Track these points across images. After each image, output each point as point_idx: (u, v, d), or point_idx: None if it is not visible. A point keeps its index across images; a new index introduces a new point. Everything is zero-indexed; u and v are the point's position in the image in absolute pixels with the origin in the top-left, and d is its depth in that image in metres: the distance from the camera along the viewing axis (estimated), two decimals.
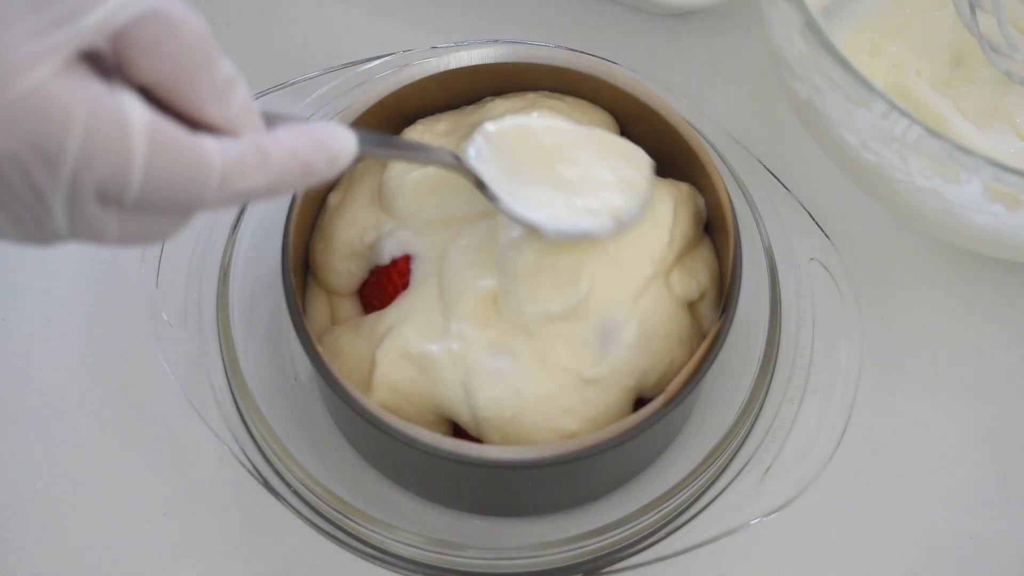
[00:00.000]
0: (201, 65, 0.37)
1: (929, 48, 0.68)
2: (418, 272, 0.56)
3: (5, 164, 0.34)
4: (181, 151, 0.36)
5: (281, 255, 0.55)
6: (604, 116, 0.61)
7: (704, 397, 0.60)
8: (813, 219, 0.63)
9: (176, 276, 0.61)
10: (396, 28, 0.74)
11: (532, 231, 0.53)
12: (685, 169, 0.60)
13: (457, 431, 0.56)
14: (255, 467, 0.57)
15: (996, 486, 0.62)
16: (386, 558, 0.55)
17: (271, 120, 0.40)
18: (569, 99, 0.61)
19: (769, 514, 0.56)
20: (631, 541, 0.56)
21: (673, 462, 0.59)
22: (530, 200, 0.53)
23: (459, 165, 0.52)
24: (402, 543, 0.55)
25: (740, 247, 0.56)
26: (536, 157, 0.54)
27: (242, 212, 0.62)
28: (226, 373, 0.58)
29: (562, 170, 0.54)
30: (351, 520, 0.55)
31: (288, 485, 0.56)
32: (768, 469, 0.57)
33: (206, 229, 0.62)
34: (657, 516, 0.56)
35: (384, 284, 0.57)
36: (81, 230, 0.37)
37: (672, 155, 0.60)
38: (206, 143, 0.37)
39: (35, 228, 0.36)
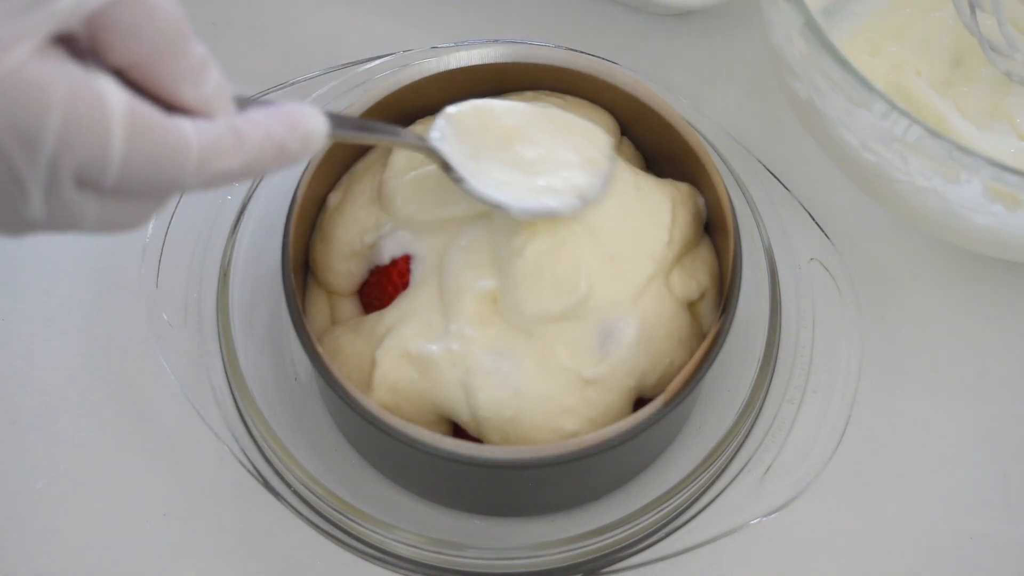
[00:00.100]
0: (175, 47, 0.37)
1: (929, 48, 0.68)
2: (418, 272, 0.56)
3: None
4: (159, 132, 0.36)
5: (281, 255, 0.55)
6: (604, 116, 0.61)
7: (704, 397, 0.60)
8: (813, 219, 0.63)
9: (176, 276, 0.61)
10: (396, 28, 0.74)
11: (528, 231, 0.53)
12: (685, 169, 0.60)
13: (457, 431, 0.56)
14: (255, 467, 0.57)
15: (996, 486, 0.62)
16: (386, 558, 0.55)
17: (242, 103, 0.40)
18: (569, 99, 0.61)
19: (769, 514, 0.56)
20: (631, 541, 0.56)
21: (673, 462, 0.59)
22: (494, 180, 0.53)
23: (425, 147, 0.52)
24: (402, 543, 0.55)
25: (740, 247, 0.56)
26: (497, 138, 0.55)
27: (242, 212, 0.62)
28: (226, 373, 0.58)
29: (523, 150, 0.55)
30: (351, 520, 0.55)
31: (288, 485, 0.56)
32: (768, 469, 0.57)
33: (206, 229, 0.62)
34: (657, 516, 0.56)
35: (384, 284, 0.57)
36: (58, 216, 0.36)
37: (672, 155, 0.60)
38: (183, 124, 0.37)
39: (11, 215, 0.36)
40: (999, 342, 0.66)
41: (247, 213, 0.62)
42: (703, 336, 0.57)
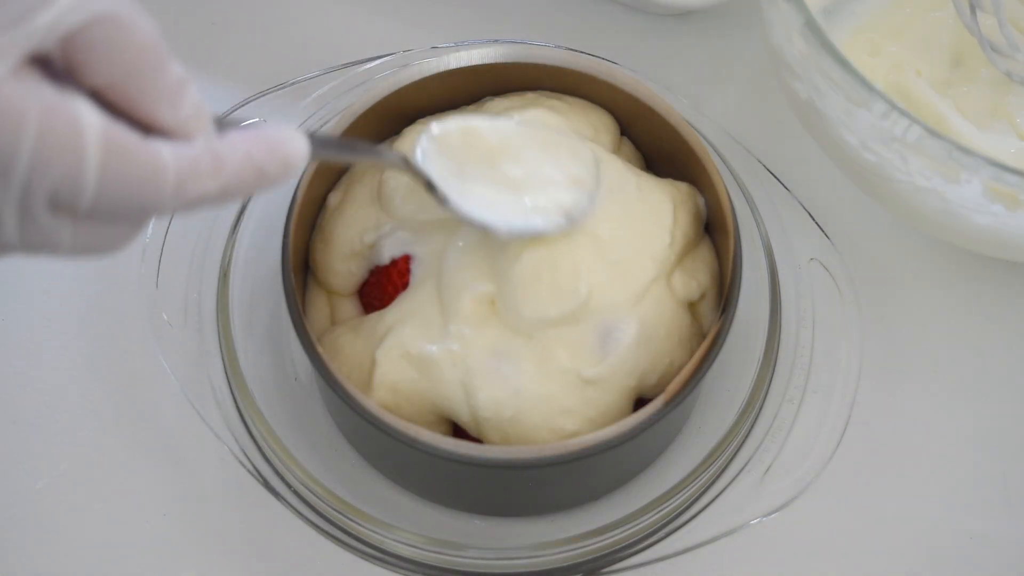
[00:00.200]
0: (152, 68, 0.36)
1: (929, 48, 0.68)
2: (418, 272, 0.56)
3: None
4: (135, 156, 0.35)
5: (281, 255, 0.55)
6: (604, 116, 0.61)
7: (704, 397, 0.60)
8: (813, 219, 0.63)
9: (176, 276, 0.61)
10: (396, 28, 0.74)
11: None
12: (685, 169, 0.60)
13: (457, 431, 0.56)
14: (255, 467, 0.57)
15: (996, 486, 0.62)
16: (386, 558, 0.55)
17: (222, 125, 0.39)
18: (569, 99, 0.61)
19: (769, 514, 0.56)
20: (631, 541, 0.56)
21: (673, 462, 0.59)
22: (479, 200, 0.53)
23: (408, 167, 0.52)
24: (402, 543, 0.55)
25: (740, 247, 0.56)
26: (482, 157, 0.54)
27: (242, 212, 0.62)
28: (226, 373, 0.58)
29: (509, 169, 0.54)
30: (351, 520, 0.55)
31: (288, 485, 0.56)
32: (768, 469, 0.57)
33: (206, 229, 0.62)
34: (657, 516, 0.56)
35: (384, 284, 0.57)
36: (33, 240, 0.36)
37: (672, 155, 0.60)
38: (160, 147, 0.36)
39: None
40: (999, 342, 0.66)
41: (247, 213, 0.62)
42: (703, 336, 0.57)
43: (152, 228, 0.61)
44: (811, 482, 0.57)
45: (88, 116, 0.34)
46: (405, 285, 0.56)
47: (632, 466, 0.59)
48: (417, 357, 0.54)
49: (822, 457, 0.57)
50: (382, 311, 0.56)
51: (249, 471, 0.57)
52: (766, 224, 0.62)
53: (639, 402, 0.55)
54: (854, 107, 0.58)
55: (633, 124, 0.61)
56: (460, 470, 0.53)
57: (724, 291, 0.56)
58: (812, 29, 0.58)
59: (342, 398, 0.52)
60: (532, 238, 0.53)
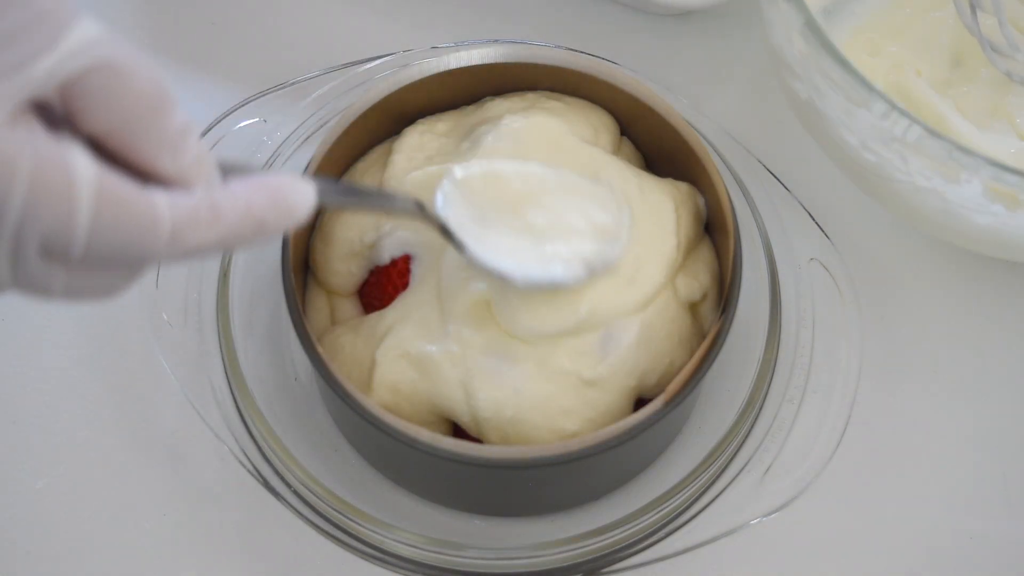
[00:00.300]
0: (153, 116, 0.36)
1: (929, 48, 0.68)
2: (417, 272, 0.56)
3: None
4: (129, 206, 0.35)
5: (281, 255, 0.55)
6: (604, 116, 0.61)
7: (704, 397, 0.60)
8: (813, 219, 0.63)
9: (176, 276, 0.61)
10: (396, 28, 0.74)
11: None
12: (685, 169, 0.60)
13: (457, 431, 0.56)
14: (255, 467, 0.57)
15: (996, 486, 0.62)
16: (386, 558, 0.55)
17: (228, 169, 0.39)
18: (569, 99, 0.61)
19: (769, 514, 0.56)
20: (631, 541, 0.56)
21: (673, 462, 0.59)
22: (499, 247, 0.52)
23: (422, 214, 0.51)
24: (402, 543, 0.55)
25: (740, 247, 0.56)
26: (505, 202, 0.53)
27: None
28: (226, 373, 0.58)
29: (532, 216, 0.53)
30: (351, 520, 0.55)
31: (288, 485, 0.56)
32: (768, 469, 0.57)
33: None
34: (657, 516, 0.56)
35: (384, 284, 0.57)
36: (26, 284, 0.35)
37: (672, 155, 0.60)
38: (156, 198, 0.35)
39: None
40: (999, 342, 0.66)
41: None
42: (703, 336, 0.57)
43: None
44: (811, 482, 0.56)
45: (82, 165, 0.34)
46: (405, 285, 0.56)
47: (632, 466, 0.59)
48: (417, 357, 0.54)
49: (822, 457, 0.57)
50: (382, 311, 0.56)
51: (249, 471, 0.57)
52: (766, 224, 0.62)
53: (639, 402, 0.55)
54: (854, 107, 0.58)
55: (633, 124, 0.61)
56: (460, 470, 0.53)
57: (724, 291, 0.56)
58: (812, 29, 0.58)
59: (342, 398, 0.52)
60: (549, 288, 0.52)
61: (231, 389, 0.58)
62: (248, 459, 0.57)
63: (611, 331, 0.54)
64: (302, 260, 0.59)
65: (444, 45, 0.66)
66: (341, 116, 0.59)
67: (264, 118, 0.64)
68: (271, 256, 0.60)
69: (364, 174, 0.59)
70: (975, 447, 0.63)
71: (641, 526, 0.56)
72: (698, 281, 0.57)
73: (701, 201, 0.59)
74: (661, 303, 0.55)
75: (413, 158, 0.58)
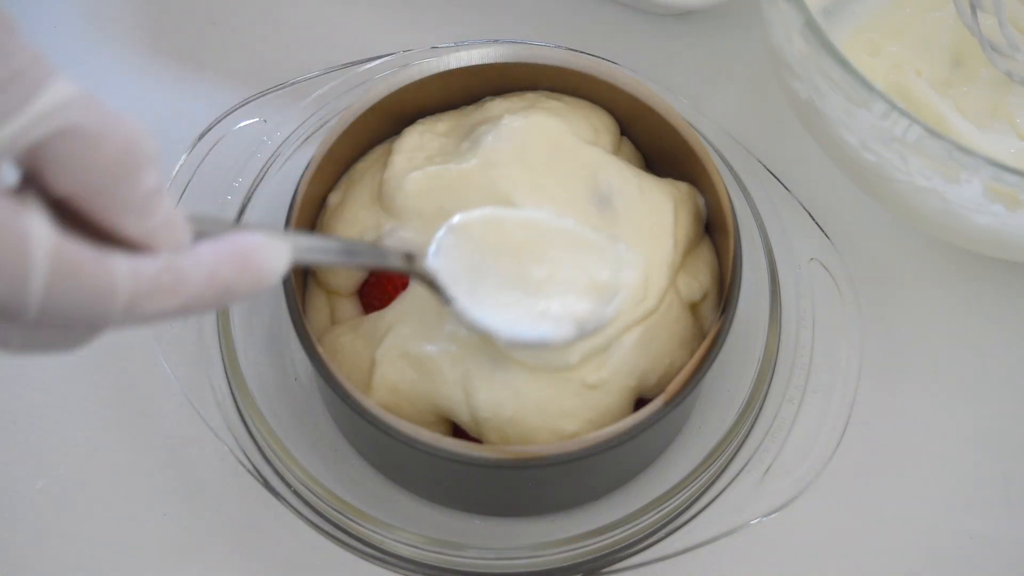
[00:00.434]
0: (120, 180, 0.35)
1: (929, 48, 0.68)
2: None
3: None
4: (84, 275, 0.34)
5: None
6: (604, 116, 0.61)
7: (704, 397, 0.60)
8: (813, 219, 0.63)
9: None
10: (396, 28, 0.74)
11: None
12: (685, 169, 0.60)
13: (457, 431, 0.56)
14: (255, 467, 0.57)
15: (996, 486, 0.62)
16: (386, 558, 0.55)
17: (203, 226, 0.38)
18: (569, 99, 0.61)
19: (769, 514, 0.56)
20: (631, 541, 0.56)
21: (673, 462, 0.59)
22: (490, 299, 0.50)
23: (410, 265, 0.49)
24: (402, 543, 0.55)
25: (740, 247, 0.56)
26: (504, 252, 0.52)
27: (242, 212, 0.62)
28: (226, 373, 0.58)
29: (529, 268, 0.52)
30: (351, 520, 0.55)
31: (288, 485, 0.56)
32: (768, 469, 0.57)
33: None
34: (657, 516, 0.56)
35: (384, 284, 0.57)
36: None
37: (672, 155, 0.60)
38: (115, 265, 0.35)
39: None
40: (999, 342, 0.66)
41: (247, 213, 0.62)
42: (703, 336, 0.57)
43: None
44: (811, 482, 0.56)
45: (38, 232, 0.33)
46: (405, 285, 0.56)
47: (632, 466, 0.59)
48: (417, 357, 0.54)
49: (822, 457, 0.57)
50: (382, 311, 0.56)
51: (249, 471, 0.57)
52: (766, 224, 0.62)
53: (639, 402, 0.55)
54: (854, 107, 0.58)
55: (633, 124, 0.61)
56: (460, 470, 0.53)
57: (724, 291, 0.56)
58: (812, 29, 0.58)
59: (342, 398, 0.52)
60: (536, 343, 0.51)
61: (231, 389, 0.58)
62: (248, 459, 0.57)
63: (611, 332, 0.54)
64: None
65: (444, 45, 0.66)
66: (341, 116, 0.59)
67: (264, 118, 0.64)
68: None
69: (364, 174, 0.59)
70: (975, 447, 0.63)
71: (641, 526, 0.56)
72: (698, 281, 0.57)
73: (701, 201, 0.59)
74: (664, 305, 0.55)
75: (413, 158, 0.58)
